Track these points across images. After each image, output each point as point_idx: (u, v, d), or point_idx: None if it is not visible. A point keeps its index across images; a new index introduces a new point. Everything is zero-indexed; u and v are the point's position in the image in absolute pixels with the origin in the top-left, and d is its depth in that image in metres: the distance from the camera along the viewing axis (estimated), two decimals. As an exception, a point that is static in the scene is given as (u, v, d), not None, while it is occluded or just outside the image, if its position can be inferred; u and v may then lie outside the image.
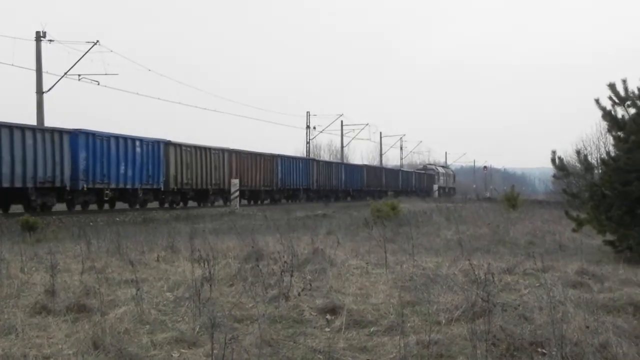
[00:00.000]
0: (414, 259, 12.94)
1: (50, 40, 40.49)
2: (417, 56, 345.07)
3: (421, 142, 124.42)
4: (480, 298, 8.13)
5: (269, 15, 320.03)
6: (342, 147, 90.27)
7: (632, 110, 15.23)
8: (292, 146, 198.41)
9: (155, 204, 40.89)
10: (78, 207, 34.77)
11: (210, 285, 9.52)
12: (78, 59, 41.79)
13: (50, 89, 41.06)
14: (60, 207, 34.07)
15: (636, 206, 14.85)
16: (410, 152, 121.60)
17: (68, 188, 32.62)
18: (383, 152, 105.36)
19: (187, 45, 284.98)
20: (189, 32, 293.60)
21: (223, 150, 46.89)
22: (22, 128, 29.98)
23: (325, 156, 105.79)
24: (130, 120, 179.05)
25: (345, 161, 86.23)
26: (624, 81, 15.20)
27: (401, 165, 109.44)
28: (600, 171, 16.67)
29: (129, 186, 36.95)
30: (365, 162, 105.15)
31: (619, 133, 15.51)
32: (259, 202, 52.88)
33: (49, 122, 39.12)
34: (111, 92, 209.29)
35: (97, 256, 13.83)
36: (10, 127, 29.24)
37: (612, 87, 15.29)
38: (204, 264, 10.31)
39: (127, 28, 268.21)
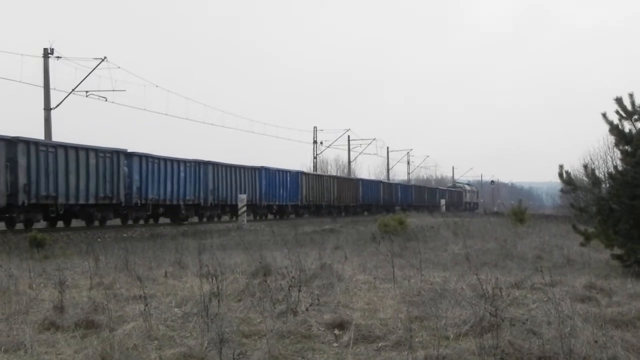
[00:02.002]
0: (421, 273, 12.92)
1: (58, 57, 40.64)
2: (422, 70, 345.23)
3: (428, 156, 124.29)
4: (489, 313, 8.12)
5: (275, 30, 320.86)
6: (349, 161, 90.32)
7: (639, 125, 15.23)
8: (299, 161, 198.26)
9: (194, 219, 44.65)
10: (130, 222, 37.58)
11: (219, 301, 9.52)
12: (86, 75, 41.90)
13: (58, 105, 41.21)
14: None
15: (644, 220, 14.83)
16: (418, 166, 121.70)
17: (123, 204, 35.57)
18: (390, 166, 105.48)
19: (194, 61, 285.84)
20: (196, 47, 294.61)
21: (254, 169, 50.39)
22: (87, 149, 33.13)
23: (332, 171, 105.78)
24: (137, 136, 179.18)
25: (352, 176, 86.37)
26: (631, 95, 15.22)
27: (408, 180, 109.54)
28: (607, 185, 16.64)
29: (174, 202, 40.41)
30: (373, 177, 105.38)
31: (626, 147, 15.50)
32: (265, 217, 52.80)
33: (56, 139, 39.26)
34: (119, 108, 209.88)
35: (105, 272, 13.86)
36: (76, 148, 32.47)
37: (619, 101, 15.30)
38: (212, 280, 10.32)
39: (134, 44, 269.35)
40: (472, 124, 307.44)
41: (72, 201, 31.90)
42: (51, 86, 40.78)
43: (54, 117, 41.03)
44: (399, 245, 19.47)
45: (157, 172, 38.55)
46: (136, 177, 36.55)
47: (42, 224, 32.50)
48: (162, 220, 39.63)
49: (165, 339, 8.08)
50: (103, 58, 41.74)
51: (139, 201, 36.76)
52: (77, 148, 32.44)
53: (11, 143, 28.56)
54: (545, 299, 10.18)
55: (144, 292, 9.90)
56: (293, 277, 10.53)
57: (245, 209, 44.45)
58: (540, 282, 11.57)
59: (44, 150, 30.30)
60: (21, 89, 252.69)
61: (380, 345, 7.82)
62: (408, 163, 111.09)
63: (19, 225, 30.38)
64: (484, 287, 9.42)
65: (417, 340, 7.85)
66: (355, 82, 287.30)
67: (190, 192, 41.78)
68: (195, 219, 44.77)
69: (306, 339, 8.15)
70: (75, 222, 34.58)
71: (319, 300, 9.86)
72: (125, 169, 35.61)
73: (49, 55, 40.41)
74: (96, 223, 34.53)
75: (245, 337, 8.21)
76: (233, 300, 10.45)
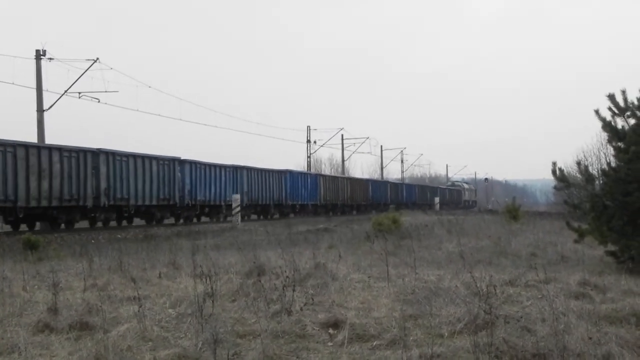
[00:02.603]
0: (415, 272, 12.93)
1: (50, 59, 40.51)
2: (415, 69, 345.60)
3: (422, 155, 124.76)
4: (483, 310, 8.13)
5: (267, 29, 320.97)
6: (342, 160, 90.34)
7: (632, 121, 15.25)
8: (293, 161, 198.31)
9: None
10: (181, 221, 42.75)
11: (213, 301, 9.51)
12: (78, 76, 41.79)
13: (50, 107, 41.04)
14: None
15: (637, 216, 14.84)
16: (411, 165, 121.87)
17: (177, 204, 41.50)
18: (384, 165, 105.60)
19: (187, 61, 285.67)
20: (188, 47, 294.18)
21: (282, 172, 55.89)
22: (150, 158, 39.14)
23: (326, 170, 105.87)
24: (131, 137, 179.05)
25: (347, 174, 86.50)
26: (624, 92, 15.23)
27: (402, 179, 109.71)
28: (601, 182, 16.66)
29: (217, 202, 46.01)
30: (367, 176, 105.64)
31: (619, 144, 15.52)
32: (260, 217, 53.39)
33: (49, 140, 39.18)
34: (112, 109, 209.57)
35: (99, 274, 13.85)
36: (143, 157, 38.50)
37: (611, 97, 15.31)
38: (206, 280, 10.30)
39: (126, 45, 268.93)
40: (465, 122, 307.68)
41: (139, 202, 37.72)
42: (44, 88, 40.65)
43: (46, 119, 40.94)
44: (393, 243, 19.46)
45: (204, 177, 44.33)
46: (187, 181, 42.29)
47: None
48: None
49: (159, 340, 8.07)
50: (95, 59, 41.66)
51: (189, 202, 42.53)
52: (143, 157, 38.38)
53: (95, 154, 34.67)
54: (540, 296, 10.18)
55: (138, 293, 9.90)
56: (287, 276, 10.53)
57: (239, 209, 44.46)
58: (535, 280, 11.58)
59: (119, 160, 36.33)
60: (13, 91, 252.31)
61: (374, 344, 7.82)
62: (402, 161, 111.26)
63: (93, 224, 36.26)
64: (478, 285, 9.42)
65: (411, 338, 7.85)
66: (349, 81, 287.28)
67: (229, 194, 46.78)
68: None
69: (301, 339, 8.15)
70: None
71: (313, 299, 9.86)
72: (179, 174, 41.39)
73: (41, 56, 40.30)
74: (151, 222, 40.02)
75: (239, 337, 8.20)
76: (227, 301, 10.45)
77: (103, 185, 34.61)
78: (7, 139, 30.10)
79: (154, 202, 38.96)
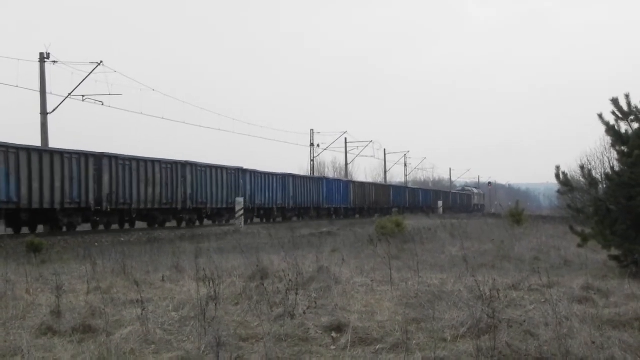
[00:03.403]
0: (418, 275, 12.92)
1: (54, 62, 40.58)
2: (418, 73, 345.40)
3: (425, 158, 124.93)
4: (486, 314, 8.12)
5: (273, 34, 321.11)
6: (346, 164, 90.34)
7: (636, 125, 15.23)
8: (297, 164, 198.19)
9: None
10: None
11: (216, 305, 9.51)
12: (82, 79, 41.87)
13: (54, 109, 41.14)
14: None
15: (641, 221, 14.83)
16: (415, 168, 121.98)
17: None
18: (387, 168, 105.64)
19: (191, 64, 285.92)
20: (192, 51, 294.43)
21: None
22: (221, 168, 46.79)
23: (330, 174, 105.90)
24: (134, 140, 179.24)
25: (350, 178, 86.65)
26: (627, 96, 15.21)
27: (405, 182, 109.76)
28: (604, 186, 16.63)
29: (270, 206, 53.81)
30: (370, 180, 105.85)
31: (622, 148, 15.49)
32: (264, 220, 53.92)
33: (53, 143, 39.31)
34: (115, 112, 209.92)
35: (102, 277, 13.86)
36: (218, 168, 46.26)
37: (615, 102, 15.29)
38: (209, 283, 10.31)
39: (131, 48, 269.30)
40: (468, 126, 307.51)
41: (214, 205, 45.52)
42: (47, 90, 40.72)
43: (50, 122, 41.03)
44: (396, 247, 19.47)
45: (260, 184, 51.83)
46: (248, 187, 49.72)
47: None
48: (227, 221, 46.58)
49: (162, 343, 8.07)
50: (99, 62, 41.75)
51: (250, 205, 49.35)
52: (218, 167, 46.16)
53: (183, 165, 42.05)
54: (543, 300, 10.18)
55: (141, 297, 9.89)
56: (290, 280, 10.52)
57: (242, 212, 44.49)
58: (538, 284, 11.57)
59: (202, 170, 44.13)
60: (17, 94, 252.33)
61: (377, 347, 7.82)
62: (405, 165, 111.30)
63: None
64: (482, 289, 9.41)
65: (414, 342, 7.85)
66: (352, 85, 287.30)
67: (279, 199, 54.84)
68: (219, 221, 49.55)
69: (304, 342, 8.15)
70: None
71: (316, 303, 9.86)
72: (241, 181, 48.74)
73: (45, 59, 40.37)
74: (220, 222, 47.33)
75: (242, 340, 8.20)
76: (230, 304, 10.45)
77: (188, 191, 42.24)
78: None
79: (225, 206, 46.53)
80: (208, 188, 44.38)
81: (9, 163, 29.38)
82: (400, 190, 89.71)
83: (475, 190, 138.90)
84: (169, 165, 40.38)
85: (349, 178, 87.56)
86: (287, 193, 55.97)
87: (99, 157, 35.19)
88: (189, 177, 41.91)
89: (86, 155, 34.40)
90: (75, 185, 33.30)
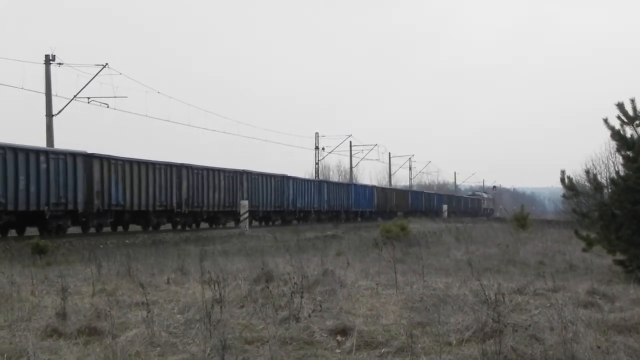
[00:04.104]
0: (424, 279, 12.92)
1: (60, 64, 40.75)
2: (423, 76, 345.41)
3: (430, 162, 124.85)
4: (491, 318, 8.12)
5: (277, 37, 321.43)
6: (350, 167, 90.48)
7: (641, 130, 15.23)
8: (301, 167, 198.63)
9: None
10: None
11: (221, 307, 9.51)
12: (87, 81, 41.96)
13: (59, 111, 41.29)
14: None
15: (646, 225, 14.81)
16: (420, 172, 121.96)
17: (285, 210, 55.51)
18: (392, 172, 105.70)
19: (196, 67, 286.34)
20: (197, 54, 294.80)
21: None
22: (270, 176, 52.77)
23: (334, 177, 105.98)
24: (139, 142, 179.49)
25: (354, 182, 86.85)
26: (632, 100, 15.23)
27: (410, 186, 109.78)
28: (609, 190, 16.63)
29: (308, 209, 59.92)
30: (375, 183, 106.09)
31: (628, 152, 15.50)
32: (270, 223, 54.16)
33: (58, 145, 39.35)
34: (121, 115, 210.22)
35: (107, 279, 13.87)
36: (264, 175, 51.90)
37: (620, 106, 15.30)
38: (214, 286, 10.32)
39: (136, 51, 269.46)
40: (473, 129, 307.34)
41: (263, 209, 51.19)
42: (53, 93, 40.92)
43: (55, 124, 41.12)
44: (401, 251, 19.47)
45: (301, 189, 58.14)
46: (291, 192, 55.99)
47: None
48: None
49: (167, 346, 8.07)
50: (104, 64, 41.90)
51: (293, 208, 56.38)
52: (264, 175, 51.85)
53: (240, 173, 48.12)
54: (548, 305, 10.17)
55: (146, 299, 9.91)
56: (295, 283, 10.53)
57: (247, 215, 44.53)
58: (543, 288, 11.58)
59: (256, 178, 50.13)
60: (23, 96, 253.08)
61: (382, 351, 7.82)
62: (410, 169, 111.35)
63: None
64: (487, 293, 9.41)
65: (419, 346, 7.85)
66: (357, 89, 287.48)
67: (316, 202, 61.15)
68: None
69: (309, 345, 8.15)
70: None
71: (321, 306, 9.86)
72: (286, 187, 55.02)
73: (51, 61, 40.53)
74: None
75: (247, 343, 8.20)
76: (235, 307, 10.45)
77: (245, 195, 47.75)
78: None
79: (272, 209, 52.96)
80: (260, 193, 50.71)
81: (118, 173, 35.36)
82: (417, 194, 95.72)
83: (485, 195, 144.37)
84: (229, 174, 46.66)
85: (354, 181, 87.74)
86: (323, 197, 62.81)
87: (179, 167, 40.89)
88: (245, 184, 48.44)
89: (170, 165, 40.14)
90: (162, 191, 39.05)
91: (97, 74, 41.80)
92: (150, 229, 39.12)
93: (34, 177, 29.71)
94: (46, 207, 30.43)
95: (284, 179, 55.14)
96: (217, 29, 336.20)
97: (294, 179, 57.82)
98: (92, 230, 35.22)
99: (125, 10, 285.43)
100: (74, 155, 32.62)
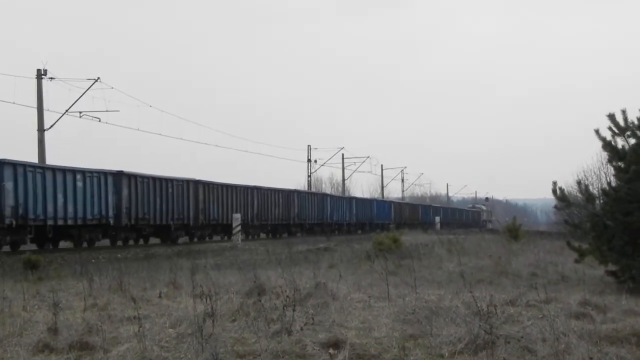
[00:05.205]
0: (416, 291, 12.92)
1: (51, 78, 40.74)
2: (415, 88, 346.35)
3: (422, 174, 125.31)
4: (483, 330, 8.12)
5: (267, 49, 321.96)
6: (343, 180, 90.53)
7: (632, 141, 15.29)
8: (294, 180, 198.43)
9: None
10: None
11: (213, 321, 9.49)
12: (79, 96, 41.92)
13: (51, 126, 41.23)
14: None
15: (638, 236, 14.86)
16: (412, 184, 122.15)
17: (324, 223, 64.61)
18: (384, 184, 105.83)
19: (187, 80, 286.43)
20: (189, 67, 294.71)
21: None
22: (313, 193, 65.42)
23: (327, 189, 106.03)
24: (131, 156, 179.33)
25: (347, 194, 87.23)
26: (624, 111, 15.30)
27: (403, 198, 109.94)
28: (601, 201, 16.69)
29: (341, 222, 70.40)
30: (367, 195, 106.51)
31: (619, 163, 15.56)
32: (256, 236, 54.25)
33: (50, 160, 39.32)
34: (112, 129, 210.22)
35: (99, 293, 13.83)
36: (310, 193, 64.93)
37: (611, 117, 15.37)
38: (206, 300, 10.29)
39: (128, 65, 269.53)
40: (465, 141, 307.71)
41: (309, 221, 61.71)
42: (44, 107, 40.87)
43: (47, 138, 41.07)
44: (393, 263, 19.46)
45: (336, 205, 68.84)
46: (329, 208, 66.42)
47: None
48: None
49: (159, 360, 8.05)
50: (96, 79, 41.92)
51: (330, 222, 66.09)
52: (310, 193, 64.99)
53: (292, 192, 59.86)
54: (540, 316, 10.17)
55: (138, 313, 9.88)
56: (287, 296, 10.51)
57: (239, 228, 44.50)
58: (535, 299, 11.57)
59: (304, 196, 62.27)
60: (14, 110, 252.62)
61: (375, 364, 7.81)
62: (402, 181, 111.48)
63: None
64: (479, 305, 9.41)
65: (412, 358, 7.84)
66: (349, 100, 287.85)
67: (347, 216, 71.08)
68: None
69: (301, 359, 8.13)
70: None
71: (313, 319, 9.84)
72: (324, 203, 65.38)
73: (42, 76, 40.53)
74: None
75: (239, 357, 8.18)
76: (227, 320, 10.42)
77: (297, 210, 59.16)
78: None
79: (316, 222, 63.19)
80: (307, 210, 61.57)
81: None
82: (426, 208, 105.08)
83: (484, 207, 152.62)
84: (283, 193, 57.53)
85: (347, 194, 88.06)
86: (352, 212, 72.86)
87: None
88: (296, 201, 59.35)
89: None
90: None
91: (88, 88, 41.83)
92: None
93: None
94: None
95: (324, 196, 68.37)
96: (209, 42, 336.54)
97: (331, 196, 71.92)
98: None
99: (117, 24, 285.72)
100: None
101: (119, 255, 30.73)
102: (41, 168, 32.30)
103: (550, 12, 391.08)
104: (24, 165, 30.96)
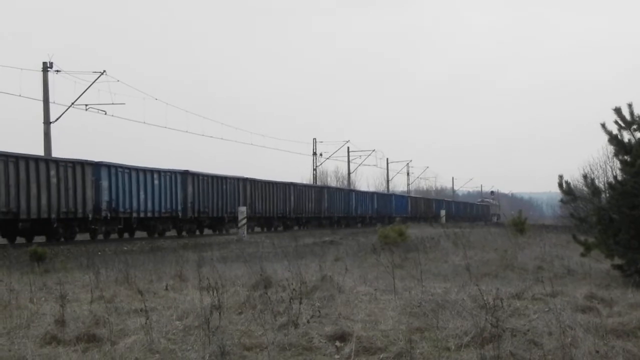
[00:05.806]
0: (422, 284, 12.93)
1: (57, 71, 40.75)
2: (420, 81, 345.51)
3: (428, 167, 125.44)
4: (490, 323, 8.13)
5: (273, 41, 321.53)
6: (349, 173, 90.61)
7: (638, 134, 15.26)
8: (299, 173, 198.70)
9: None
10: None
11: (220, 314, 9.51)
12: (85, 89, 41.95)
13: (57, 119, 41.31)
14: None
15: (644, 230, 14.83)
16: (417, 177, 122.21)
17: (349, 216, 72.47)
18: (390, 177, 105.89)
19: (193, 73, 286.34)
20: (194, 60, 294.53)
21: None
22: (341, 189, 71.61)
23: (332, 183, 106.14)
24: (137, 150, 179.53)
25: (353, 187, 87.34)
26: (630, 105, 15.26)
27: (408, 192, 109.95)
28: (607, 195, 16.64)
29: (363, 215, 76.10)
30: (372, 189, 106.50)
31: (625, 157, 15.52)
32: (267, 229, 54.42)
33: (56, 152, 39.46)
34: (118, 122, 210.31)
35: (105, 285, 13.86)
36: (338, 189, 72.25)
37: (617, 111, 15.33)
38: (213, 292, 10.31)
39: (133, 57, 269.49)
40: (471, 135, 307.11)
41: (337, 215, 67.90)
42: (51, 100, 40.94)
43: (53, 131, 41.13)
44: (399, 256, 19.47)
45: (362, 200, 75.82)
46: (354, 202, 72.69)
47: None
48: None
49: (166, 353, 8.08)
50: (102, 71, 41.94)
51: (355, 215, 73.12)
52: (338, 189, 72.44)
53: (324, 190, 67.31)
54: (546, 310, 10.17)
55: (144, 306, 9.89)
56: (294, 289, 10.53)
57: (245, 221, 44.53)
58: (541, 293, 11.58)
59: (334, 192, 68.43)
60: (20, 103, 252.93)
61: (381, 356, 7.83)
62: (408, 174, 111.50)
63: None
64: (485, 298, 9.42)
65: (418, 351, 7.85)
66: (355, 94, 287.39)
67: (370, 210, 77.06)
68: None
69: (307, 351, 8.15)
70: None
71: (319, 312, 9.86)
72: (350, 198, 71.73)
73: (48, 69, 40.53)
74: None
75: (246, 349, 8.20)
76: (234, 313, 10.45)
77: (327, 205, 65.43)
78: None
79: (343, 215, 69.08)
80: (335, 204, 67.60)
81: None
82: (440, 202, 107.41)
83: (492, 201, 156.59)
84: (315, 189, 65.32)
85: (352, 187, 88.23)
86: (373, 206, 78.54)
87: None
88: (326, 196, 65.94)
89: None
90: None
91: (94, 81, 41.86)
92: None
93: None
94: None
95: (350, 192, 74.56)
96: (214, 35, 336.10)
97: (356, 192, 78.49)
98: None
99: (122, 17, 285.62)
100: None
101: (125, 248, 30.79)
102: (128, 168, 38.01)
103: (564, 5, 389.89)
104: (116, 167, 36.98)
